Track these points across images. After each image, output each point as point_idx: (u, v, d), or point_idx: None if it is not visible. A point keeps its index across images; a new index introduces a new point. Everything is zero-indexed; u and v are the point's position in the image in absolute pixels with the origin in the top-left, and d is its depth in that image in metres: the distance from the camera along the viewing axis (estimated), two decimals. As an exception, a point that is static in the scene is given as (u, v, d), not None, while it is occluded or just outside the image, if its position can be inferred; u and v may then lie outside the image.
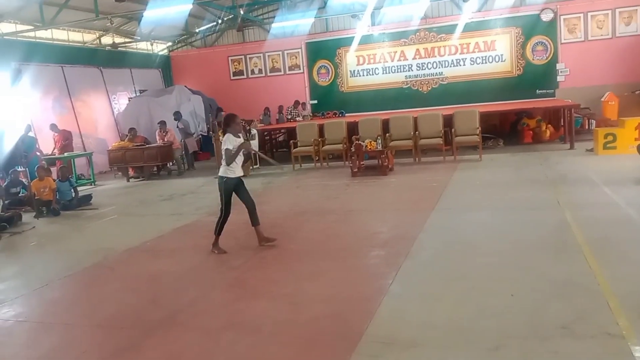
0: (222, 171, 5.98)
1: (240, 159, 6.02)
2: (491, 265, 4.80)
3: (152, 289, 5.08)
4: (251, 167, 12.69)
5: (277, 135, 16.41)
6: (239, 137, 6.15)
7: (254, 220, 6.05)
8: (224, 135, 6.20)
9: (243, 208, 6.03)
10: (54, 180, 10.03)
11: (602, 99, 14.23)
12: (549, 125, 13.37)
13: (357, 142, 10.99)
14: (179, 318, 4.29)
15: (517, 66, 15.48)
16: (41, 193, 9.64)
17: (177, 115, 14.36)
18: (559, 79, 15.24)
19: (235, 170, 5.97)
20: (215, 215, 6.13)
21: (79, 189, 10.95)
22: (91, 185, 12.99)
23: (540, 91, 15.24)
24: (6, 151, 11.42)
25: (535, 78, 15.32)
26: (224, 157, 5.94)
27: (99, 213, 9.43)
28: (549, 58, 15.25)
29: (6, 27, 13.29)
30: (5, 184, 10.36)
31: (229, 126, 6.01)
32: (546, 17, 15.05)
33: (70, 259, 6.50)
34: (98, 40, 16.48)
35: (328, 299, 4.39)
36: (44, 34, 14.47)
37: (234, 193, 6.01)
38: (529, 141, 13.11)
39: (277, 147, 16.40)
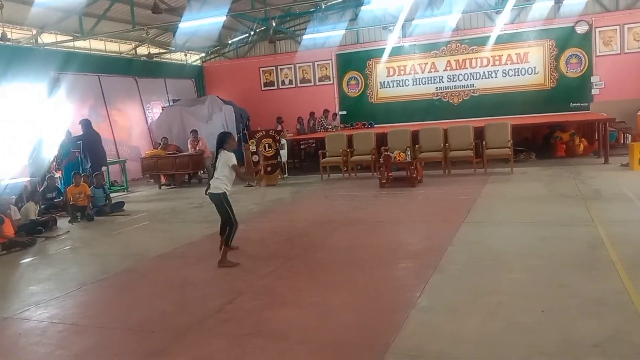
0: (222, 187, 6.06)
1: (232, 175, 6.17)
2: (521, 281, 4.73)
3: (182, 295, 5.16)
4: (280, 177, 12.80)
5: (309, 146, 16.50)
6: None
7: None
8: (216, 153, 6.24)
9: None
10: (89, 187, 10.30)
11: (638, 113, 13.89)
12: (583, 139, 13.12)
13: (385, 153, 10.98)
14: (208, 324, 4.35)
15: (551, 79, 15.26)
16: (76, 199, 9.90)
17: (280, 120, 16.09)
18: (593, 92, 14.95)
19: (229, 185, 6.15)
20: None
21: (112, 195, 11.21)
22: (124, 191, 13.27)
23: (574, 104, 14.98)
24: (45, 158, 11.79)
25: (569, 91, 15.08)
26: (227, 172, 6.05)
27: (131, 219, 9.63)
28: (584, 71, 14.99)
29: (47, 38, 13.77)
30: (41, 189, 10.67)
31: (227, 143, 6.16)
32: (581, 29, 14.82)
33: (102, 263, 6.65)
34: (134, 51, 16.91)
35: (355, 309, 4.39)
36: (82, 44, 14.93)
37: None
38: (561, 155, 12.88)
39: (307, 157, 16.49)
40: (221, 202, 6.09)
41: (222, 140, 6.18)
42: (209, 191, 6.20)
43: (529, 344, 3.50)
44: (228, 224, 6.09)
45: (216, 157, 6.18)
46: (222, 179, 6.06)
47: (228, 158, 6.08)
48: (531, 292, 4.45)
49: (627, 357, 3.26)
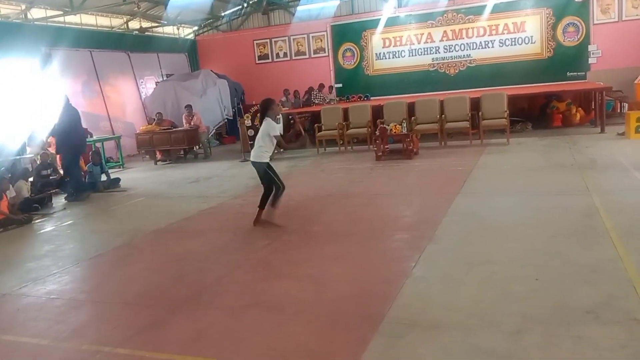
0: (265, 157, 6.12)
1: (273, 143, 6.18)
2: (516, 250, 4.76)
3: (178, 269, 5.18)
4: (276, 151, 12.73)
5: (303, 119, 16.33)
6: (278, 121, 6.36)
7: (263, 203, 6.28)
8: (260, 120, 6.27)
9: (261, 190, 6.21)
10: (86, 164, 10.24)
11: (636, 82, 13.79)
12: (579, 109, 13.06)
13: (381, 125, 10.92)
14: (204, 297, 4.38)
15: (548, 48, 15.10)
16: (71, 175, 9.84)
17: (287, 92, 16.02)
18: (590, 61, 14.81)
19: (270, 152, 6.21)
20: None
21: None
22: (120, 168, 13.22)
23: (571, 73, 14.87)
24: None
25: (566, 60, 14.93)
26: (268, 141, 6.08)
27: (127, 195, 9.62)
28: (581, 39, 14.82)
29: (36, 13, 13.53)
30: (36, 166, 10.61)
31: (271, 109, 6.13)
32: (578, -3, 14.61)
33: (99, 239, 6.67)
34: (125, 25, 16.64)
35: (351, 281, 4.42)
36: (73, 19, 14.68)
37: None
38: (558, 125, 12.83)
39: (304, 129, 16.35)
40: (265, 172, 6.16)
41: (266, 107, 6.18)
42: (251, 160, 6.26)
43: (522, 312, 3.54)
44: (275, 187, 6.16)
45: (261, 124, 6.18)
46: (264, 147, 6.12)
47: (271, 127, 6.09)
48: (525, 261, 4.48)
49: (619, 322, 3.30)
